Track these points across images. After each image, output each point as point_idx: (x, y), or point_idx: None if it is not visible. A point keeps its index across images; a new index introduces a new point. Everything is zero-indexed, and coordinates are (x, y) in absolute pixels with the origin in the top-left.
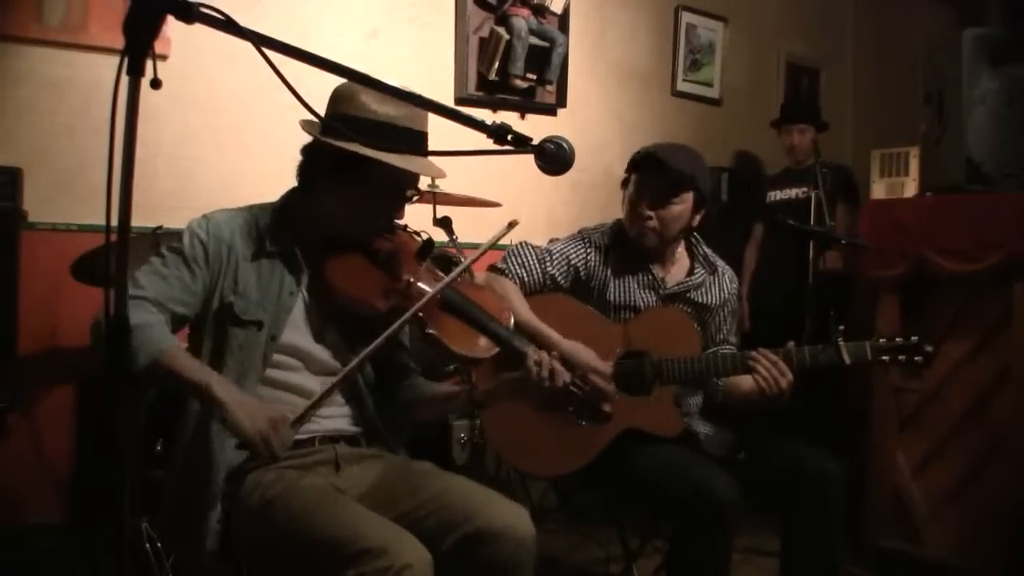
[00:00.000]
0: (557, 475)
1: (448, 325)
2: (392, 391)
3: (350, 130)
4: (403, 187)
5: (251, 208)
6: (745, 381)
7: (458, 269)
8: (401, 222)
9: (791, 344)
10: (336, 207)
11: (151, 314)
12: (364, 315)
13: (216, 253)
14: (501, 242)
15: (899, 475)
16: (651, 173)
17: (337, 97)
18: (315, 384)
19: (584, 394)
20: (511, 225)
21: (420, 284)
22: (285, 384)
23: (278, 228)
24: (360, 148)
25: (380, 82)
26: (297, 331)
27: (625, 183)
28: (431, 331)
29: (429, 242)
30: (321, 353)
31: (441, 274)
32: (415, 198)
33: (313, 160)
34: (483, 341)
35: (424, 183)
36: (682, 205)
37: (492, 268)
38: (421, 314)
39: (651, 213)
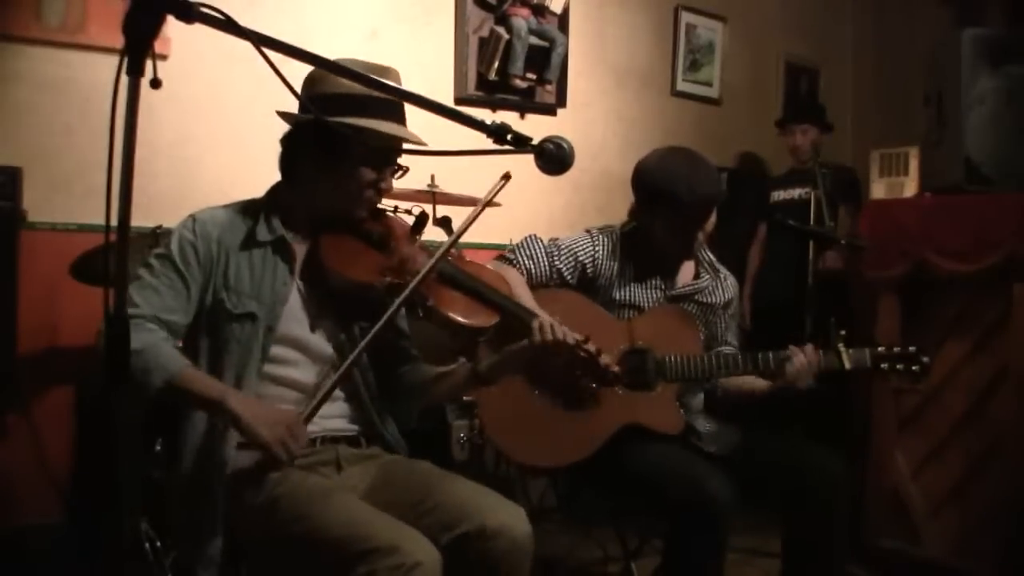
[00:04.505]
0: (556, 466)
1: (448, 297)
2: (395, 378)
3: (329, 107)
4: (387, 154)
5: (237, 204)
6: (747, 380)
7: (455, 235)
8: (391, 204)
9: (791, 348)
10: (324, 185)
11: (152, 333)
12: (361, 296)
13: (207, 252)
14: (505, 242)
15: (898, 475)
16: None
17: (312, 79)
18: (314, 379)
19: (589, 357)
20: (506, 178)
21: (415, 260)
22: (285, 380)
23: (267, 218)
24: (340, 120)
25: (381, 82)
26: (294, 321)
27: (651, 201)
28: (432, 304)
29: (422, 216)
30: (320, 342)
31: (434, 251)
32: (400, 173)
33: (295, 146)
34: (484, 310)
35: (424, 183)
36: (714, 215)
37: (500, 258)
38: (421, 288)
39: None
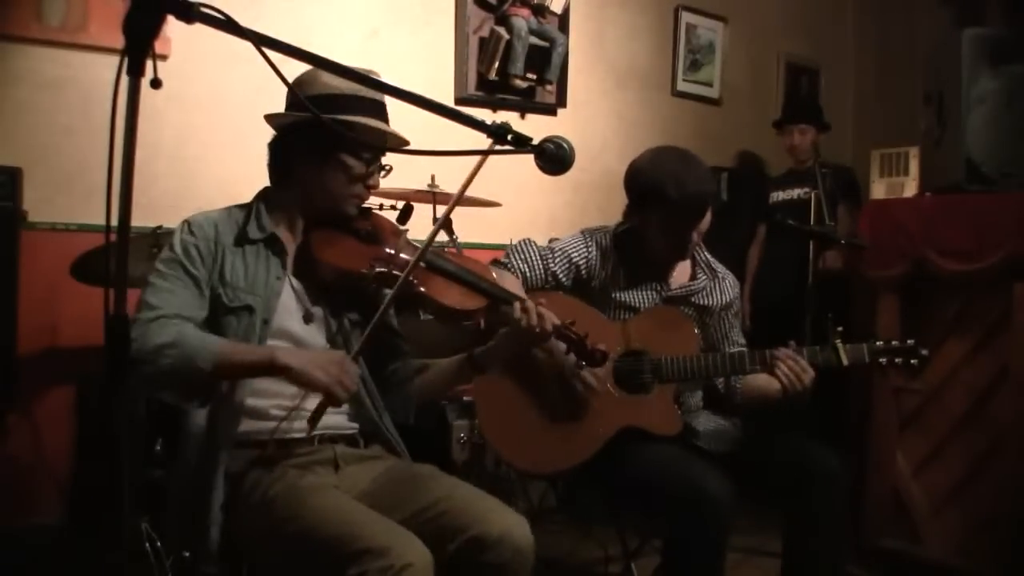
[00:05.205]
0: (555, 472)
1: (437, 284)
2: (389, 374)
3: (317, 106)
4: (374, 150)
5: (228, 208)
6: (763, 380)
7: (437, 225)
8: (376, 203)
9: (792, 343)
10: (314, 183)
11: (178, 324)
12: (352, 288)
13: (207, 250)
14: (501, 241)
15: (899, 475)
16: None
17: (300, 83)
18: None
19: (577, 337)
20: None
21: (403, 252)
22: None
23: (258, 218)
24: (329, 116)
25: (379, 82)
26: (288, 315)
27: (642, 202)
28: (422, 290)
29: (407, 208)
30: (313, 335)
31: (419, 245)
32: (386, 171)
33: (284, 148)
34: (471, 295)
35: (424, 183)
36: (708, 214)
37: (495, 263)
38: (411, 276)
39: (696, 235)
